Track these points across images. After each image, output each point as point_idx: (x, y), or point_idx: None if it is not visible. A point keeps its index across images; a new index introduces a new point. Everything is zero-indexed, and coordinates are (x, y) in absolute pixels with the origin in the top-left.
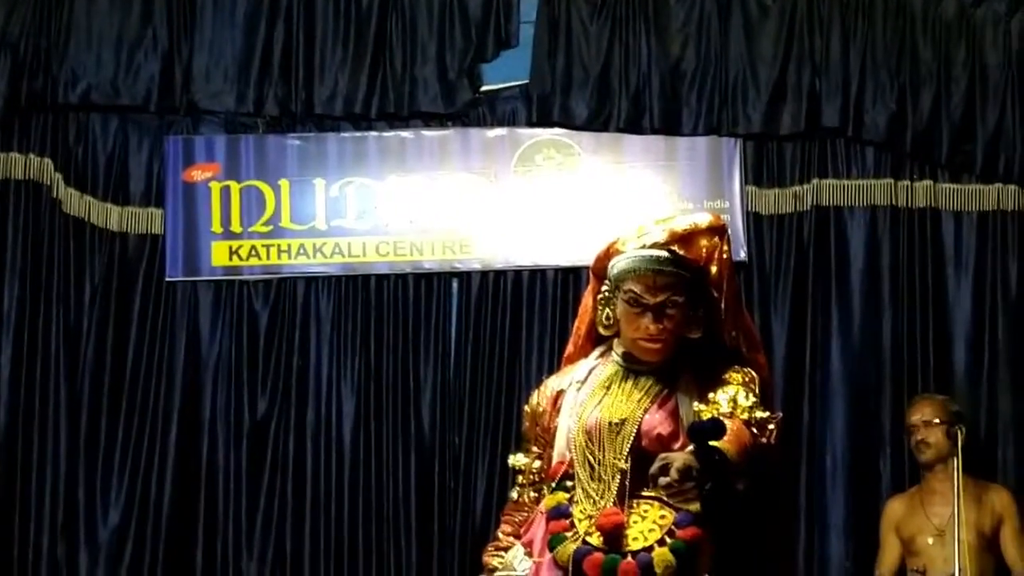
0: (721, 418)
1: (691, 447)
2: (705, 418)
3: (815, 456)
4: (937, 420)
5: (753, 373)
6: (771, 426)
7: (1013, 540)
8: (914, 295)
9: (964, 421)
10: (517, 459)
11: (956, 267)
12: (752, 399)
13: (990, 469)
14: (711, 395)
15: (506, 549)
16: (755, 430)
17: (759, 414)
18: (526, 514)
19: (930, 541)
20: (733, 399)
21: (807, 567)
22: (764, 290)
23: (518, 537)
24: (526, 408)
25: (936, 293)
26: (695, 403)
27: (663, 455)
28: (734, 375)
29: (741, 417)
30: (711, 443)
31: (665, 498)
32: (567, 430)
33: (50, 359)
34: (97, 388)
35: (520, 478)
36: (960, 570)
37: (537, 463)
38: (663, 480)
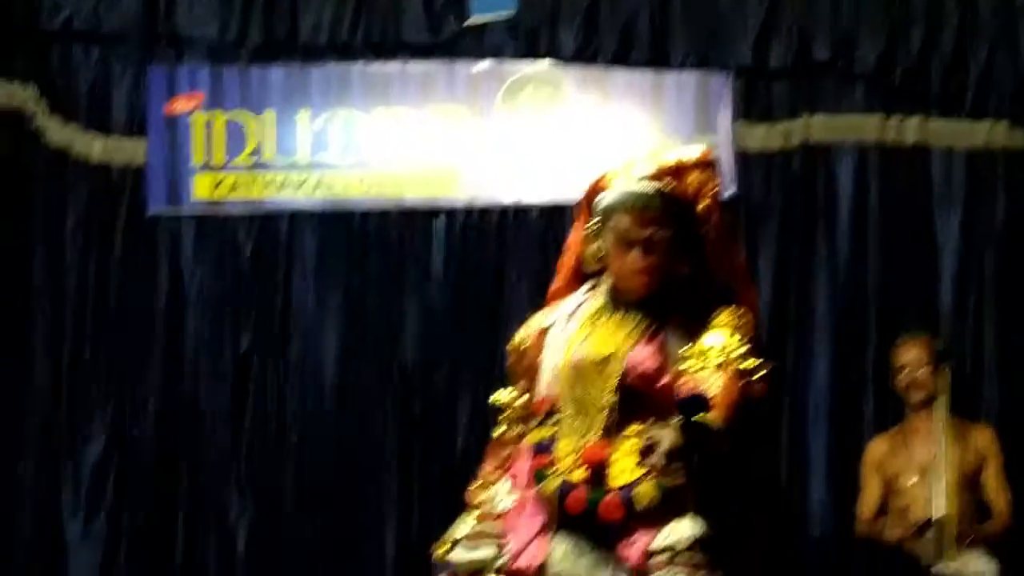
0: (707, 386)
1: (677, 420)
2: (696, 373)
3: (798, 396)
4: (925, 360)
5: (741, 311)
6: (761, 373)
7: (995, 480)
8: (902, 233)
9: (950, 360)
10: (501, 396)
11: (944, 205)
12: (743, 346)
13: (974, 408)
14: (703, 340)
15: (491, 485)
16: (745, 380)
17: (750, 362)
18: (510, 450)
19: (913, 481)
20: (724, 348)
21: (788, 508)
22: (751, 227)
23: (503, 473)
24: (511, 344)
25: (924, 231)
26: (686, 347)
27: (650, 434)
28: (725, 315)
29: (731, 367)
30: (698, 418)
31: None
32: (553, 366)
33: (32, 291)
34: (79, 319)
35: (505, 414)
36: (942, 510)
37: (522, 399)
38: (649, 460)
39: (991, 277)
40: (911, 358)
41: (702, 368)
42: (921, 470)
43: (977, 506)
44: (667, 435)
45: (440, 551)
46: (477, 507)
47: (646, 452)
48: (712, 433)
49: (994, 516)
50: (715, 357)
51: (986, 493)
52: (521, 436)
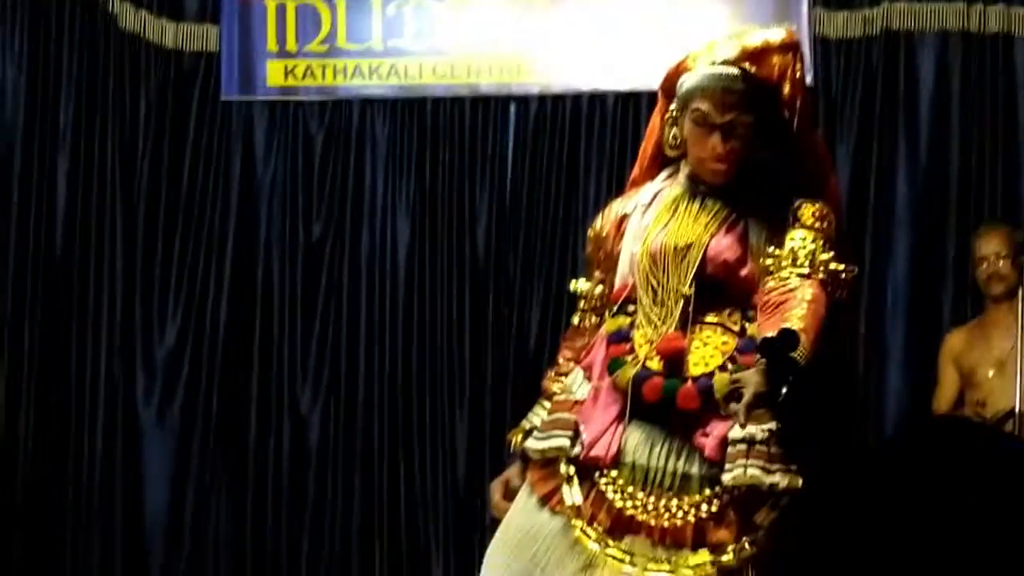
0: (793, 308)
1: (762, 362)
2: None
3: (876, 287)
4: (1006, 251)
5: (826, 209)
6: (846, 278)
7: None
8: (983, 124)
9: None
10: (579, 284)
11: None
12: (828, 251)
13: None
14: (788, 240)
15: (566, 374)
16: (830, 288)
17: (835, 266)
18: (587, 340)
19: (990, 374)
20: (811, 254)
21: (865, 398)
22: (830, 116)
23: (578, 362)
24: (589, 232)
25: (1006, 122)
26: (770, 248)
27: (735, 376)
28: (807, 209)
29: (818, 276)
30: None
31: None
32: (631, 254)
33: (106, 177)
34: (153, 207)
35: (581, 303)
36: (1021, 403)
37: (599, 288)
38: (733, 407)
39: None
40: (991, 250)
41: (787, 278)
42: (999, 363)
43: None
44: (752, 381)
45: (516, 438)
46: (552, 396)
47: (731, 397)
48: (800, 369)
49: None
50: (802, 261)
51: None
52: (598, 325)
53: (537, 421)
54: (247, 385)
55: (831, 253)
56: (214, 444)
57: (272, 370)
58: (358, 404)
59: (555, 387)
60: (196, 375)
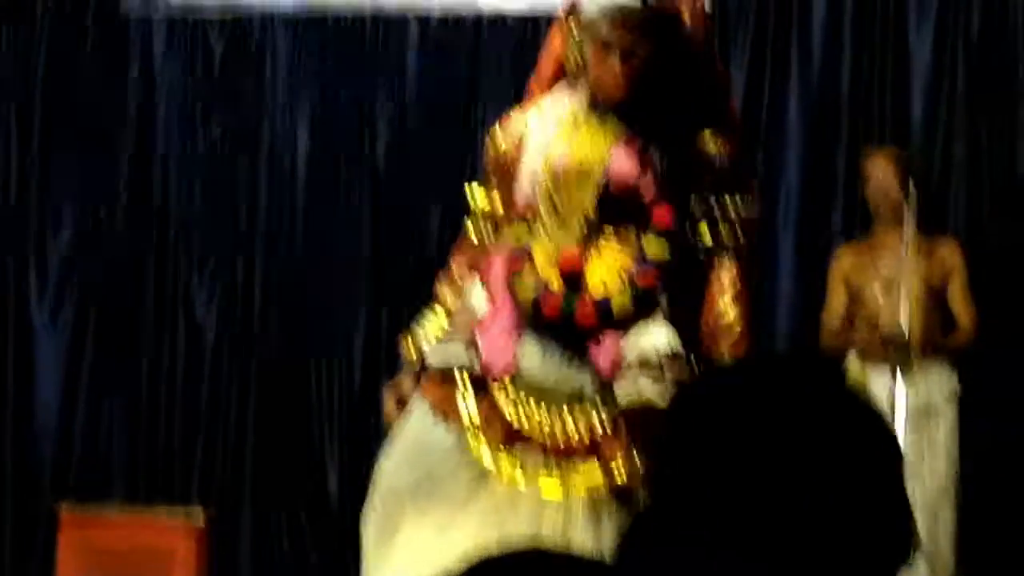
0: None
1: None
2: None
3: (768, 203)
4: (894, 173)
5: (726, 138)
6: (750, 220)
7: (961, 293)
8: (874, 42)
9: (917, 173)
10: (474, 189)
11: (918, 13)
12: (736, 197)
13: (941, 221)
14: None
15: (460, 284)
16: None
17: (737, 200)
18: (482, 252)
19: (878, 292)
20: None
21: (756, 313)
22: (723, 36)
23: (474, 273)
24: (488, 142)
25: (896, 40)
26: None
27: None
28: (709, 143)
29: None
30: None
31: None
32: (531, 171)
33: (4, 84)
34: (48, 112)
35: (480, 221)
36: (907, 322)
37: (500, 207)
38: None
39: (962, 89)
40: (880, 170)
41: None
42: (887, 282)
43: (943, 319)
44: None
45: (408, 344)
46: (446, 304)
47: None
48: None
49: (959, 329)
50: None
51: (952, 306)
52: (494, 235)
53: (430, 328)
54: (143, 290)
55: (740, 203)
56: (108, 348)
57: (167, 274)
58: (254, 309)
59: (449, 297)
60: (90, 279)
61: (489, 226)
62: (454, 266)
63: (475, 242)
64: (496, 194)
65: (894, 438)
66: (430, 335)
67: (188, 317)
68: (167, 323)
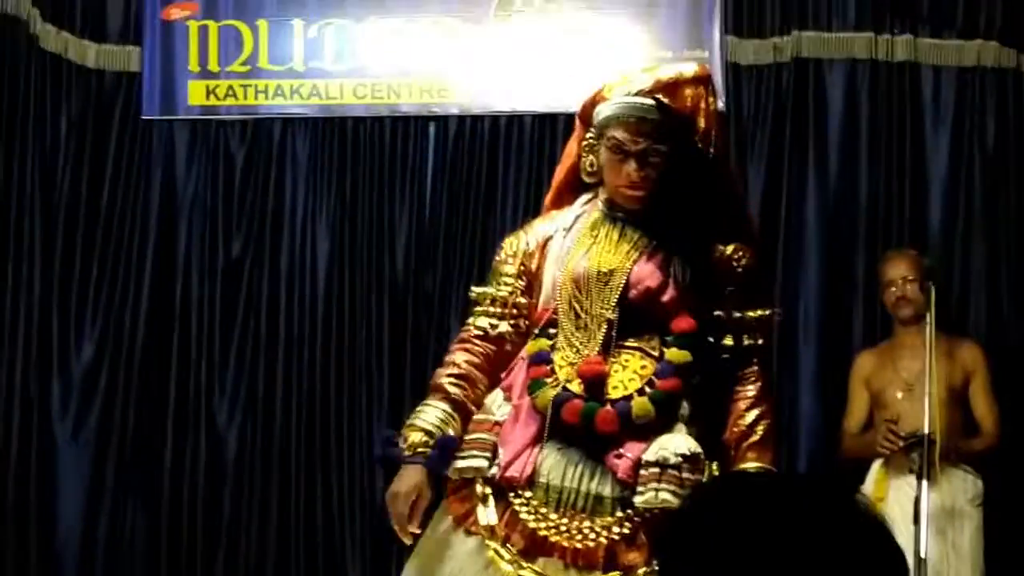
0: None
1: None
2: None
3: (788, 309)
4: (913, 276)
5: (746, 253)
6: (769, 322)
7: (982, 394)
8: (891, 150)
9: (936, 277)
10: (491, 289)
11: (934, 122)
12: (757, 311)
13: (961, 324)
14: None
15: (464, 376)
16: (757, 342)
17: (759, 313)
18: (494, 348)
19: (899, 395)
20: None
21: (777, 418)
22: (741, 142)
23: (481, 370)
24: (506, 244)
25: (913, 148)
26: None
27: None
28: (729, 256)
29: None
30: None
31: (648, 350)
32: (553, 277)
33: (25, 196)
34: (72, 224)
35: (491, 308)
36: (931, 428)
37: (519, 298)
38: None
39: (979, 195)
40: (898, 274)
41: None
42: (908, 385)
43: (965, 420)
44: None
45: (410, 437)
46: (446, 393)
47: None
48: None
49: (982, 432)
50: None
51: (974, 409)
52: (513, 335)
53: (430, 418)
54: (164, 400)
55: (759, 312)
56: (130, 459)
57: (189, 385)
58: (276, 420)
59: (446, 382)
60: (113, 390)
61: (505, 323)
62: (455, 356)
63: (489, 338)
64: (514, 291)
65: (901, 557)
66: (428, 423)
67: (209, 428)
68: (189, 435)
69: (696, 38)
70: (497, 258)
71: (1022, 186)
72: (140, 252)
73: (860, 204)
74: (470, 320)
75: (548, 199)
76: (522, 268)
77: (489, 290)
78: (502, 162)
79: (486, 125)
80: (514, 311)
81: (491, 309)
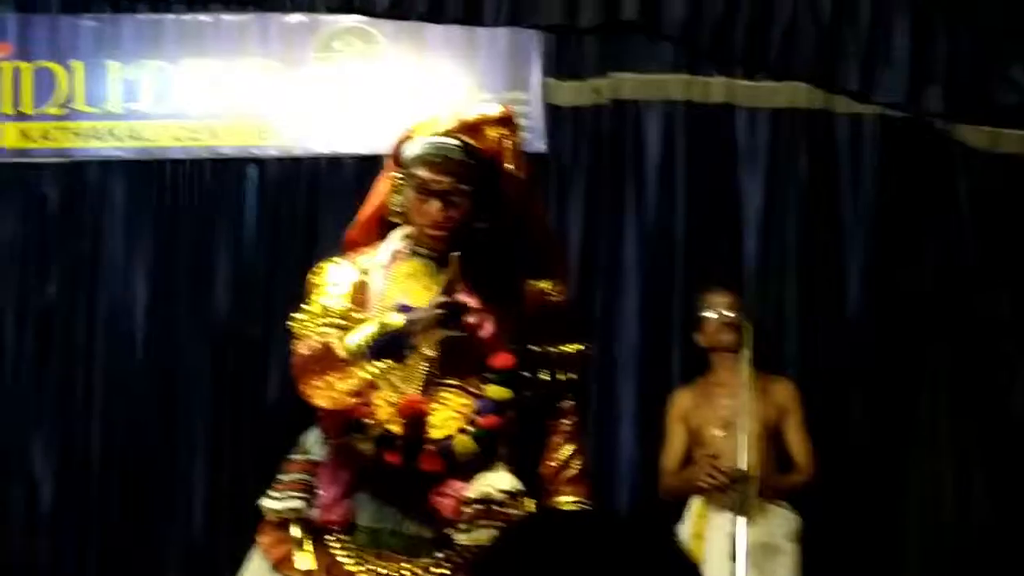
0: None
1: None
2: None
3: (607, 346)
4: (728, 314)
5: (559, 288)
6: (583, 357)
7: (797, 432)
8: (707, 190)
9: (750, 316)
10: (309, 309)
11: (749, 163)
12: (571, 346)
13: (776, 362)
14: (531, 346)
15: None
16: (571, 376)
17: (573, 348)
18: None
19: (717, 432)
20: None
21: (596, 454)
22: (561, 182)
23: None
24: (327, 267)
25: (729, 188)
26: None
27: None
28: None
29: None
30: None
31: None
32: (371, 318)
33: None
34: None
35: (324, 320)
36: (747, 462)
37: (355, 313)
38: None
39: (793, 234)
40: (714, 311)
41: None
42: (725, 422)
43: (780, 458)
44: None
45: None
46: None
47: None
48: None
49: (796, 469)
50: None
51: (788, 446)
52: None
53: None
54: None
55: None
56: None
57: (3, 436)
58: (93, 469)
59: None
60: None
61: (333, 330)
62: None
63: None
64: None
65: None
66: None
67: (25, 479)
68: (2, 485)
69: (516, 80)
70: (317, 279)
71: (835, 225)
72: None
73: (677, 243)
74: (303, 341)
75: (351, 232)
76: (351, 295)
77: (315, 307)
78: (322, 204)
79: (307, 167)
80: (352, 325)
81: (327, 320)
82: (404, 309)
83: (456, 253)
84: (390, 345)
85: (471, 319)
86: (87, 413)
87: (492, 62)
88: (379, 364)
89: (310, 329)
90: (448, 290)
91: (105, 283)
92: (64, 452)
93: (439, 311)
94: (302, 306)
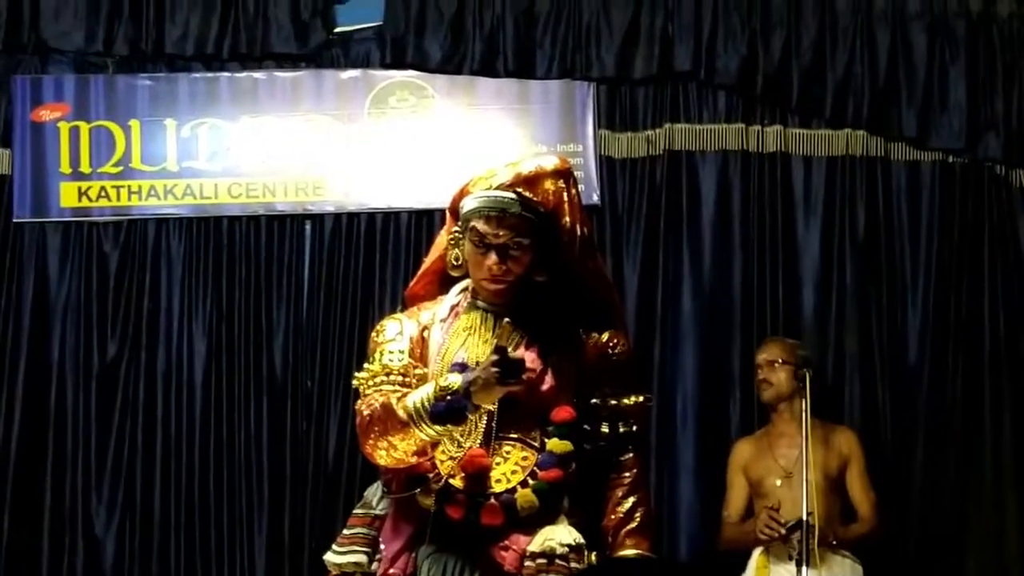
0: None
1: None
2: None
3: (666, 397)
4: (781, 360)
5: (620, 340)
6: (643, 409)
7: (859, 481)
8: (764, 238)
9: (811, 365)
10: (371, 368)
11: (805, 211)
12: (632, 398)
13: (837, 411)
14: (594, 400)
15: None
16: (632, 429)
17: (634, 400)
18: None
19: (778, 483)
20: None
21: (657, 506)
22: (616, 233)
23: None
24: (388, 325)
25: (786, 237)
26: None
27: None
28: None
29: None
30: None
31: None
32: (432, 371)
33: None
34: None
35: (387, 379)
36: (808, 512)
37: (415, 371)
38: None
39: (851, 282)
40: (762, 358)
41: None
42: (786, 472)
43: (843, 507)
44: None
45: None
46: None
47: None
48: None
49: (859, 519)
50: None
51: (851, 496)
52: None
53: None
54: (40, 507)
55: (633, 399)
56: (5, 569)
57: (66, 491)
58: (154, 524)
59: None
60: None
61: (397, 388)
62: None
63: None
64: (400, 362)
65: None
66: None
67: (87, 533)
68: (65, 540)
69: (570, 133)
70: (379, 338)
71: (893, 273)
72: (12, 358)
73: (735, 293)
74: (364, 400)
75: (412, 287)
76: (411, 350)
77: (375, 367)
78: (379, 259)
79: (362, 222)
80: (414, 383)
81: (388, 379)
82: (460, 367)
83: (507, 320)
84: (450, 409)
85: (528, 374)
86: (148, 469)
87: (545, 115)
88: (439, 427)
89: (371, 389)
90: (501, 347)
91: (164, 339)
92: (125, 508)
93: (495, 369)
94: (364, 365)
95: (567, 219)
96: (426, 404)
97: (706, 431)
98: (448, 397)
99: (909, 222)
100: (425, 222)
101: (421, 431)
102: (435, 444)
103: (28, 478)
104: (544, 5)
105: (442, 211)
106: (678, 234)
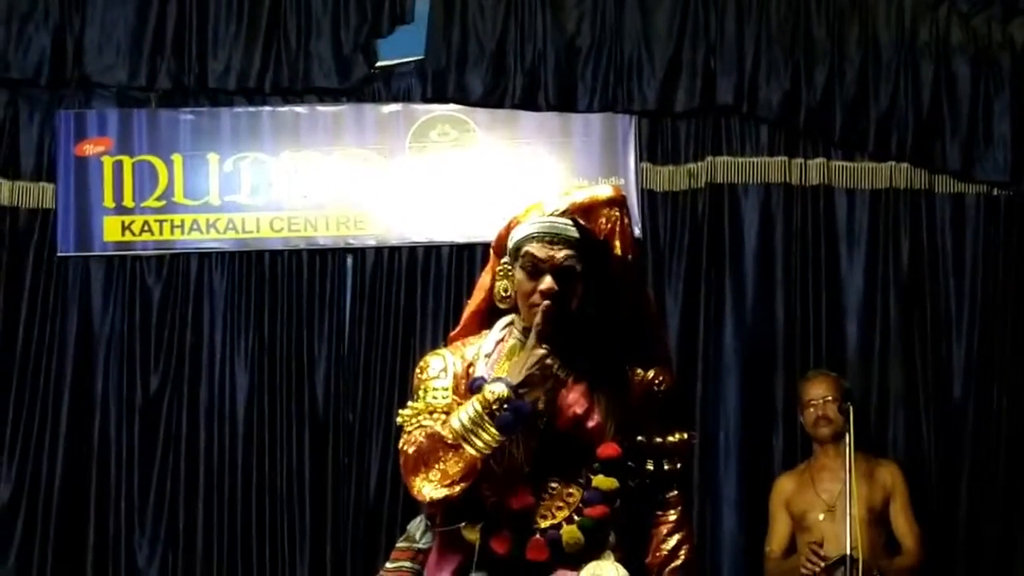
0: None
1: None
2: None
3: (709, 432)
4: (833, 396)
5: (666, 377)
6: (687, 446)
7: (903, 514)
8: (807, 272)
9: (853, 398)
10: (415, 405)
11: (848, 244)
12: (676, 435)
13: (880, 444)
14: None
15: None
16: (677, 466)
17: (678, 437)
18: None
19: (821, 517)
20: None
21: (700, 541)
22: (658, 267)
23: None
24: (431, 361)
25: (829, 270)
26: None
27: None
28: (651, 380)
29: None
30: None
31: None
32: None
33: None
34: None
35: (430, 417)
36: (852, 546)
37: (446, 400)
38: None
39: (895, 316)
40: (818, 393)
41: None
42: (829, 507)
43: (887, 540)
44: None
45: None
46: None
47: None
48: None
49: (904, 552)
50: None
51: (895, 529)
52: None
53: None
54: (83, 540)
55: (678, 436)
56: None
57: (110, 524)
58: (196, 557)
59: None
60: (31, 531)
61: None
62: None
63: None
64: (444, 400)
65: None
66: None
67: (130, 566)
68: (109, 573)
69: (611, 166)
70: (423, 375)
71: (937, 306)
72: (57, 390)
73: (778, 326)
74: (407, 439)
75: (455, 333)
76: (455, 386)
77: (420, 404)
78: (420, 293)
79: (403, 256)
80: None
81: (432, 417)
82: (479, 382)
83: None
84: (517, 414)
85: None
86: (190, 502)
87: (587, 148)
88: (487, 435)
89: (414, 428)
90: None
91: (206, 373)
92: (168, 542)
93: (537, 362)
94: (408, 403)
95: (620, 248)
96: (475, 419)
97: (749, 465)
98: (505, 406)
99: (953, 255)
100: (466, 256)
101: (471, 446)
102: (483, 471)
103: (72, 511)
104: (586, 39)
105: (483, 245)
106: (720, 267)
